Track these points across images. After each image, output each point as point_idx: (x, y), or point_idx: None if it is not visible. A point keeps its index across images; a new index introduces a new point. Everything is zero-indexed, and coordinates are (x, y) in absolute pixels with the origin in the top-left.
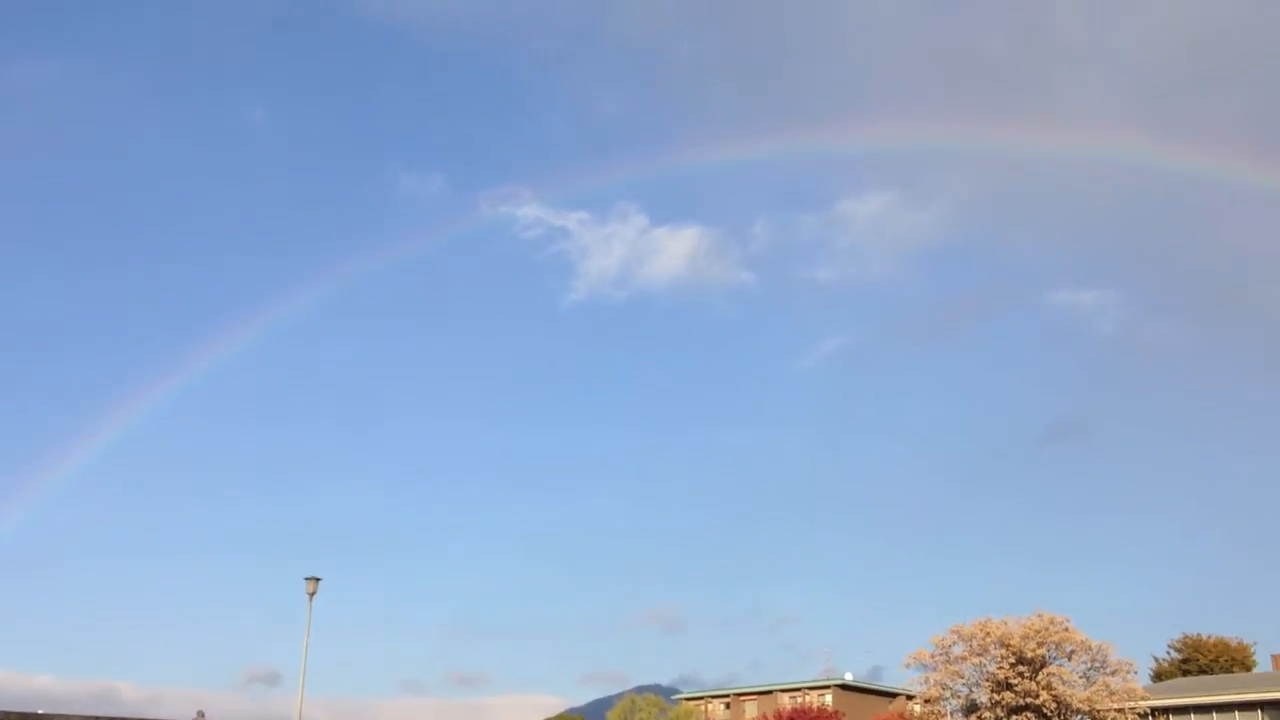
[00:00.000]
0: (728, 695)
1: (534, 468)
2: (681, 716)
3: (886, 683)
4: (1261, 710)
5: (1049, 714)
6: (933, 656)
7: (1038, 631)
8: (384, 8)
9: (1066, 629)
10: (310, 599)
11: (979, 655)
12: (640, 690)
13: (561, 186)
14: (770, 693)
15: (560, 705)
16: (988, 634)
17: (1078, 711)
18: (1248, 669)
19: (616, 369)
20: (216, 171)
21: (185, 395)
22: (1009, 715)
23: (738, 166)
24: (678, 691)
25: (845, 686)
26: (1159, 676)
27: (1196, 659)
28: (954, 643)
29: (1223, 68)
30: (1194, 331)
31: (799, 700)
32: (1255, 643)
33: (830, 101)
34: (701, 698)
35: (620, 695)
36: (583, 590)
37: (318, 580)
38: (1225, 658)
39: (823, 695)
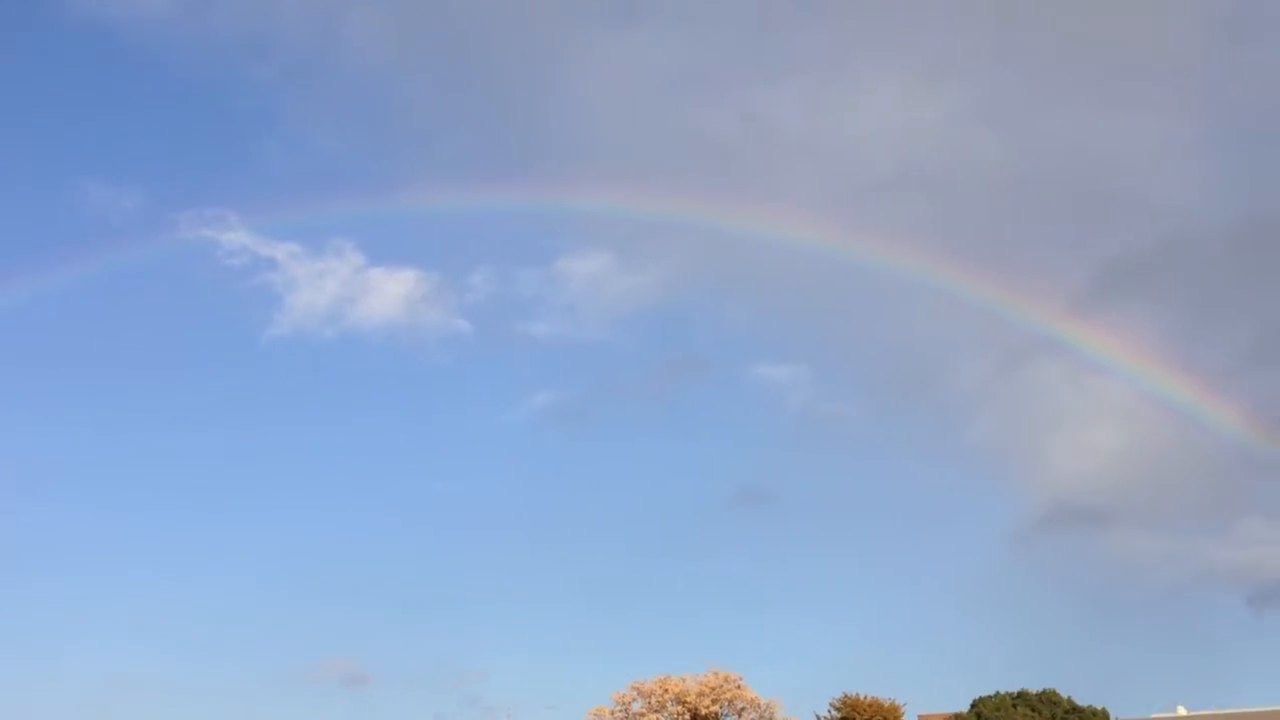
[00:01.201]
0: None
1: (223, 498)
2: None
3: None
4: None
5: None
6: (613, 713)
7: (713, 689)
8: (92, 9)
9: (739, 687)
10: None
11: (657, 711)
12: None
13: (273, 215)
14: None
15: None
16: (666, 690)
17: None
18: None
19: (317, 410)
20: None
21: None
22: None
23: (462, 214)
24: None
25: None
26: None
27: (854, 717)
28: (634, 699)
29: (917, 174)
30: (869, 412)
31: None
32: (905, 703)
33: (559, 161)
34: None
35: None
36: (255, 639)
37: None
38: (879, 717)
39: None
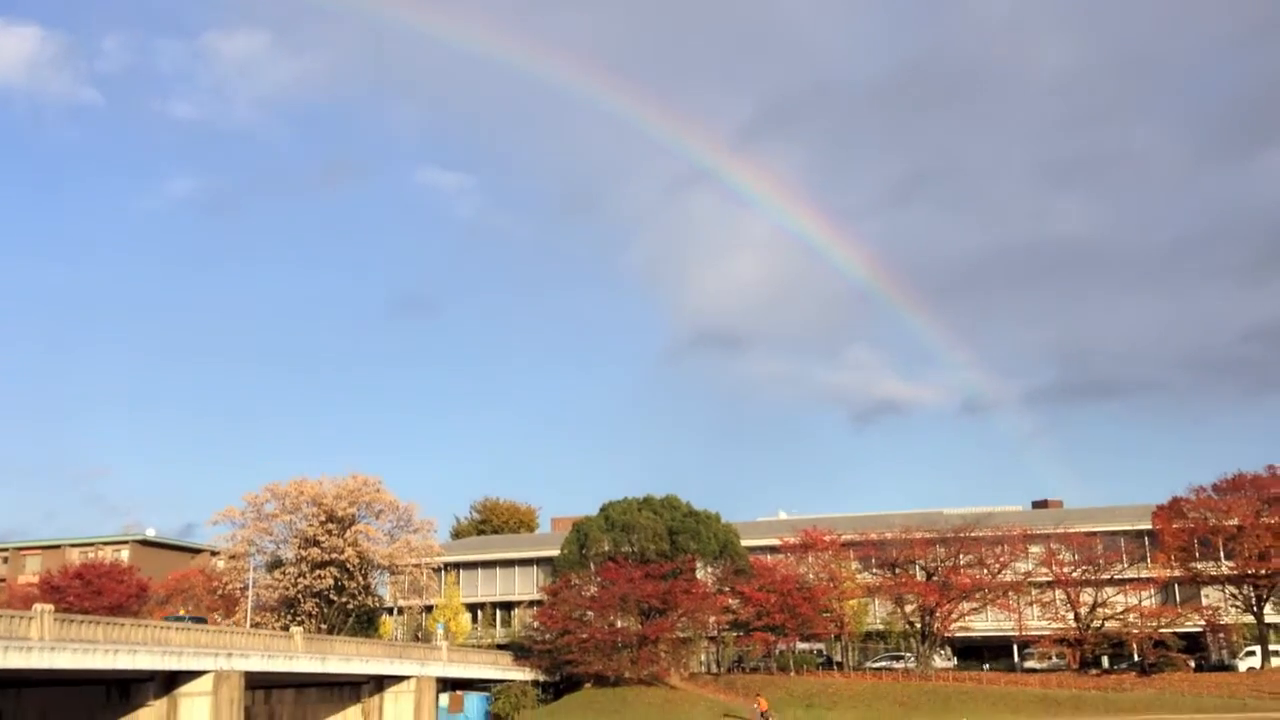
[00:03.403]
0: (6, 549)
1: None
2: None
3: (200, 540)
4: (538, 565)
5: (352, 569)
6: (243, 513)
7: (351, 491)
8: None
9: (378, 490)
10: None
11: (291, 513)
12: None
13: None
14: (59, 547)
15: None
16: (302, 492)
17: (379, 566)
18: (532, 530)
19: None
20: None
21: None
22: (313, 570)
23: None
24: None
25: (145, 542)
26: (458, 535)
27: (492, 520)
28: (267, 500)
29: None
30: (535, 227)
31: (91, 556)
32: (540, 507)
33: None
34: None
35: None
36: None
37: None
38: (515, 519)
39: (119, 551)
